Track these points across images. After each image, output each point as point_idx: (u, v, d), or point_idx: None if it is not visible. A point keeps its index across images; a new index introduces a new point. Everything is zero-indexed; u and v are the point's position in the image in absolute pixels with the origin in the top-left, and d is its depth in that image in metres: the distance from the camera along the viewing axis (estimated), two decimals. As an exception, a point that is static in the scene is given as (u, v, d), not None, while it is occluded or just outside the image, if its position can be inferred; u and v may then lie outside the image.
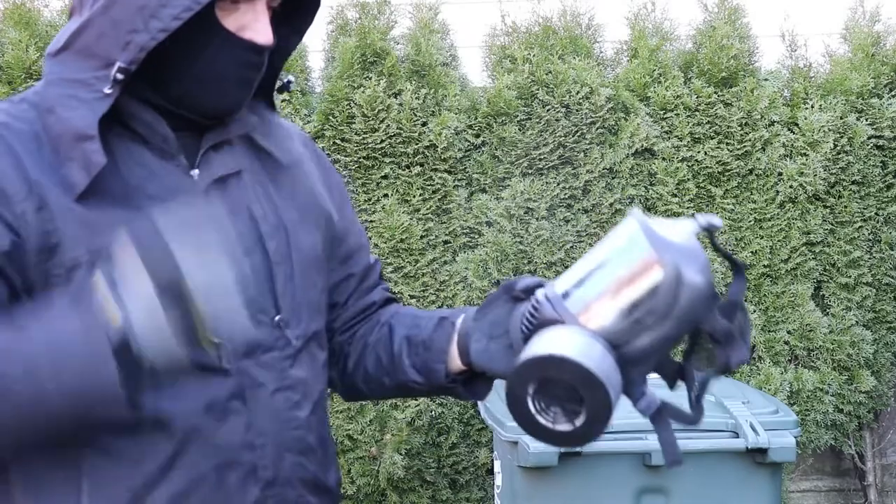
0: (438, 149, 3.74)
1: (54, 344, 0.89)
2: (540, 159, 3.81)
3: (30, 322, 0.91)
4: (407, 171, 3.75)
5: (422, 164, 3.76)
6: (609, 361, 0.95)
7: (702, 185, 3.92)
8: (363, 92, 3.70)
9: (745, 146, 3.92)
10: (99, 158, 0.97)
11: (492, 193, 3.84)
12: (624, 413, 2.77)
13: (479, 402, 3.14)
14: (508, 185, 3.79)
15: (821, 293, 4.03)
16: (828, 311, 3.99)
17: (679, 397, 1.04)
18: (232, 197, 1.09)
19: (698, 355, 1.02)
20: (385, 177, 3.76)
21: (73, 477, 0.99)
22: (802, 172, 3.92)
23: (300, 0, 1.15)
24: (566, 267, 3.79)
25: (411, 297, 3.71)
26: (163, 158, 1.05)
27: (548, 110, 3.80)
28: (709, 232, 0.99)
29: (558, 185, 3.81)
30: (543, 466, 2.47)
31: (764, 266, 3.92)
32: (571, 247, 3.79)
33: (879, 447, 4.14)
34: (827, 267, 4.01)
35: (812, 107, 3.99)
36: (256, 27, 1.03)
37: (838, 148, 3.96)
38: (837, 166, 3.98)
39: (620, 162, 3.84)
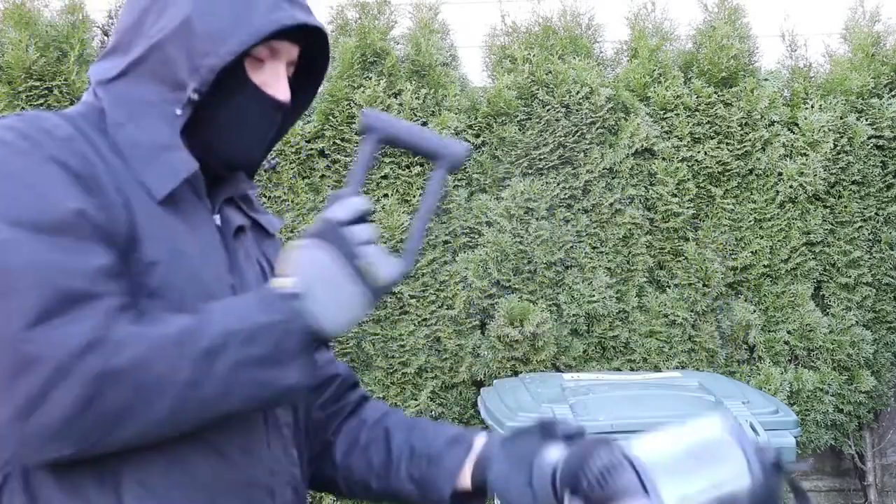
0: (438, 149, 3.74)
1: (237, 315, 0.96)
2: (540, 159, 3.81)
3: (206, 309, 0.97)
4: (407, 171, 3.75)
5: (422, 164, 3.76)
6: None
7: (702, 185, 3.92)
8: (363, 92, 3.70)
9: (745, 146, 3.92)
10: (191, 164, 1.04)
11: (492, 193, 3.84)
12: (624, 413, 2.76)
13: (479, 402, 3.13)
14: (508, 185, 3.79)
15: (821, 293, 4.03)
16: (828, 311, 3.99)
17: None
18: (244, 247, 1.15)
19: None
20: (385, 177, 3.76)
21: (109, 487, 0.99)
22: (802, 172, 3.92)
23: (306, 76, 1.22)
24: (566, 267, 3.80)
25: (411, 297, 3.71)
26: (196, 195, 1.10)
27: (548, 110, 3.80)
28: (785, 471, 1.03)
29: (558, 185, 3.81)
30: (543, 466, 2.46)
31: (764, 266, 3.92)
32: (571, 247, 3.79)
33: (879, 447, 4.14)
34: (827, 267, 4.01)
35: (812, 107, 3.99)
36: (277, 85, 1.12)
37: (838, 148, 3.96)
38: (837, 166, 3.98)
39: (620, 162, 3.84)
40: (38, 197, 0.94)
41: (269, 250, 1.23)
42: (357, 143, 3.72)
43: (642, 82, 3.94)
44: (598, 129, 3.83)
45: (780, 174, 3.96)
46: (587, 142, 3.82)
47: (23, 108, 3.50)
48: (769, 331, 3.91)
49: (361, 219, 1.02)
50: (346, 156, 3.72)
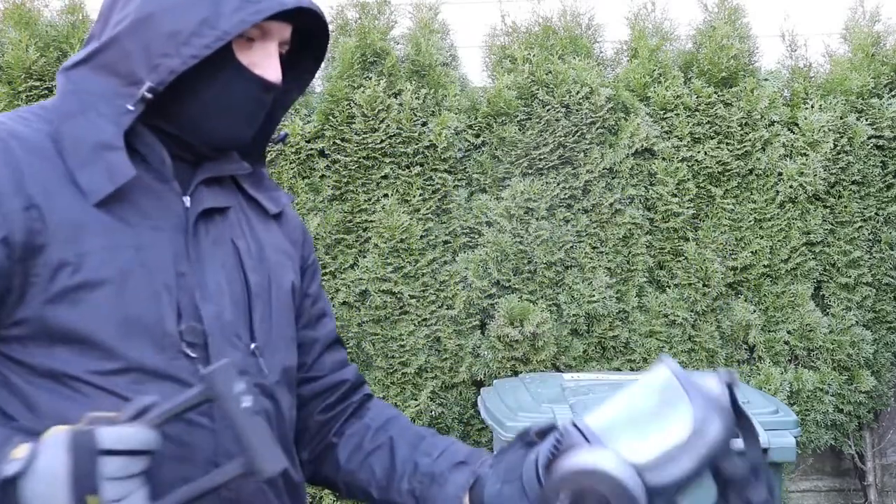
0: (438, 149, 3.74)
1: None
2: (540, 159, 3.81)
3: None
4: (407, 171, 3.75)
5: (422, 164, 3.76)
6: (639, 484, 0.98)
7: (702, 185, 3.92)
8: (363, 92, 3.70)
9: (745, 146, 3.92)
10: (128, 170, 1.02)
11: (492, 193, 3.84)
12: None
13: (479, 402, 3.13)
14: (508, 185, 3.79)
15: (821, 293, 4.03)
16: (828, 311, 3.99)
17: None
18: (217, 229, 1.12)
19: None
20: (385, 177, 3.76)
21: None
22: (802, 172, 3.92)
23: (305, 51, 1.21)
24: (566, 267, 3.80)
25: (411, 297, 3.71)
26: (158, 180, 1.09)
27: (548, 110, 3.80)
28: (728, 387, 1.04)
29: (558, 185, 3.81)
30: (543, 466, 2.46)
31: (764, 266, 3.92)
32: (571, 247, 3.79)
33: (879, 447, 4.14)
34: (827, 267, 4.01)
35: (812, 107, 3.99)
36: (267, 65, 1.10)
37: (838, 148, 3.96)
38: (837, 166, 3.98)
39: (620, 162, 3.84)
40: None
41: (269, 227, 1.20)
42: (357, 142, 3.72)
43: (642, 82, 3.94)
44: (598, 129, 3.83)
45: (780, 174, 3.96)
46: (587, 142, 3.82)
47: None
48: (769, 331, 3.91)
49: (133, 452, 0.91)
50: (346, 156, 3.72)
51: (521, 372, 3.57)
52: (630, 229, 3.85)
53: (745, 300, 3.91)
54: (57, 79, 1.10)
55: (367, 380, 3.70)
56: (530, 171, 3.81)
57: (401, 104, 3.73)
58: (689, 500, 1.05)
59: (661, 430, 1.00)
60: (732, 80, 3.97)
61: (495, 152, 3.84)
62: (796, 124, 4.02)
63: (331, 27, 3.93)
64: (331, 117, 3.74)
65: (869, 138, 4.01)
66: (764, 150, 3.96)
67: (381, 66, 3.79)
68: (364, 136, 3.71)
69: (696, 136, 3.92)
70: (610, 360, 3.82)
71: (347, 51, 3.76)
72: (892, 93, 4.10)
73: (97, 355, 1.01)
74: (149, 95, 1.02)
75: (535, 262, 3.77)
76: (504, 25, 4.00)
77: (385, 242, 3.69)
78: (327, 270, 3.71)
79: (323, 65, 3.97)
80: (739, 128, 3.92)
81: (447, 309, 3.73)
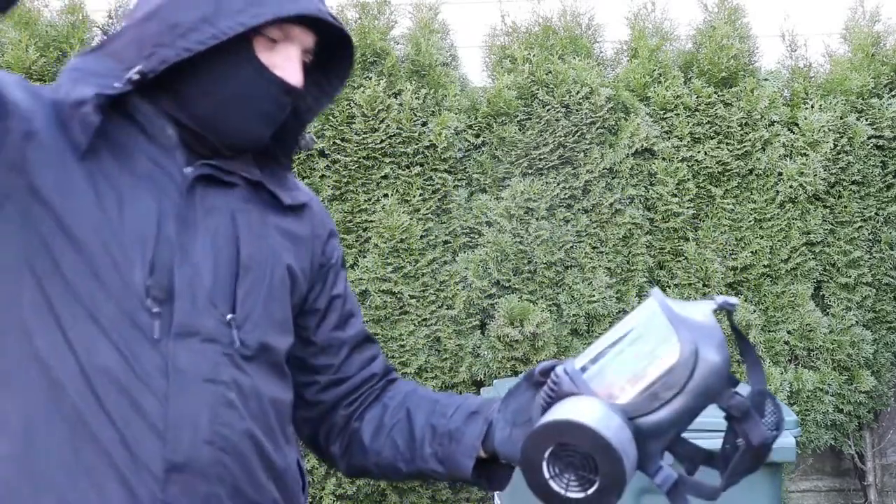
0: (438, 149, 3.74)
1: None
2: (540, 159, 3.81)
3: None
4: (407, 171, 3.75)
5: (422, 164, 3.76)
6: (626, 434, 0.96)
7: (702, 185, 3.92)
8: (363, 92, 3.70)
9: (745, 146, 3.92)
10: (94, 119, 1.04)
11: (492, 193, 3.84)
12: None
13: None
14: (508, 185, 3.79)
15: (821, 293, 4.03)
16: (828, 311, 3.99)
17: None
18: (217, 199, 1.13)
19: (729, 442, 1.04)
20: (385, 177, 3.76)
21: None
22: (802, 172, 3.92)
23: (333, 62, 1.22)
24: (566, 267, 3.80)
25: (411, 297, 3.71)
26: (160, 149, 1.11)
27: (548, 110, 3.80)
28: (727, 312, 1.02)
29: (558, 185, 3.81)
30: (543, 466, 2.46)
31: (764, 266, 3.92)
32: (571, 247, 3.79)
33: (879, 447, 4.14)
34: (827, 267, 4.01)
35: (812, 107, 3.99)
36: (288, 68, 1.12)
37: (838, 148, 3.96)
38: (837, 166, 3.98)
39: (620, 162, 3.84)
40: None
41: (284, 216, 1.21)
42: (357, 142, 3.72)
43: (642, 82, 3.94)
44: (598, 129, 3.83)
45: (780, 174, 3.96)
46: (587, 142, 3.82)
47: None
48: (769, 331, 3.91)
49: None
50: (345, 156, 3.72)
51: (521, 372, 3.57)
52: (630, 229, 3.85)
53: (745, 300, 3.91)
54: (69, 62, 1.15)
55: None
56: (530, 171, 3.81)
57: (401, 104, 3.73)
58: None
59: (648, 367, 0.98)
60: (732, 80, 3.97)
61: (495, 152, 3.84)
62: (796, 124, 4.02)
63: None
64: (331, 117, 3.74)
65: (869, 138, 4.01)
66: (764, 150, 3.96)
67: (381, 66, 3.79)
68: (364, 136, 3.72)
69: (696, 136, 3.92)
70: (610, 360, 3.82)
71: (347, 51, 3.76)
72: (892, 93, 4.10)
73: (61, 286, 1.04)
74: (136, 77, 1.05)
75: (535, 262, 3.77)
76: (504, 25, 4.00)
77: (385, 242, 3.69)
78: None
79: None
80: (739, 128, 3.92)
81: (447, 309, 3.73)
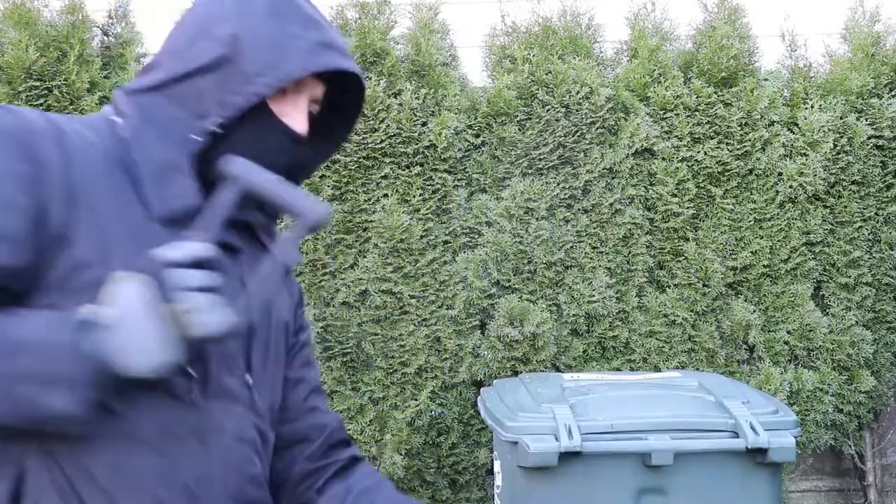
0: (438, 149, 3.74)
1: (29, 326, 0.94)
2: (540, 159, 3.81)
3: (12, 312, 0.96)
4: (407, 171, 3.75)
5: (422, 164, 3.76)
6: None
7: (702, 185, 3.92)
8: (363, 92, 3.70)
9: (744, 146, 3.92)
10: (196, 199, 1.07)
11: (492, 193, 3.84)
12: (624, 414, 2.76)
13: (479, 402, 3.13)
14: (508, 185, 3.79)
15: (821, 293, 4.03)
16: (828, 311, 3.99)
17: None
18: (229, 265, 1.14)
19: None
20: (385, 177, 3.76)
21: (11, 472, 1.00)
22: (802, 172, 3.92)
23: (331, 126, 1.26)
24: (566, 267, 3.80)
25: (411, 297, 3.71)
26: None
27: (548, 110, 3.80)
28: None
29: (558, 185, 3.81)
30: (543, 466, 2.47)
31: (764, 266, 3.92)
32: (571, 247, 3.79)
33: (879, 447, 4.14)
34: (827, 267, 4.01)
35: (812, 107, 3.99)
36: (295, 116, 1.14)
37: (838, 148, 3.96)
38: (837, 166, 3.98)
39: (620, 162, 3.84)
40: None
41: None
42: (357, 142, 3.72)
43: (642, 82, 3.94)
44: (598, 129, 3.83)
45: (780, 174, 3.96)
46: (587, 142, 3.82)
47: (23, 108, 3.49)
48: (769, 331, 3.91)
49: (199, 264, 0.97)
50: (345, 156, 3.72)
51: (521, 372, 3.56)
52: (630, 229, 3.85)
53: (745, 300, 3.91)
54: (116, 97, 1.13)
55: (367, 380, 3.70)
56: (530, 171, 3.81)
57: (401, 104, 3.73)
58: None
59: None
60: (732, 80, 3.97)
61: (495, 152, 3.84)
62: (796, 124, 4.02)
63: (331, 27, 3.92)
64: (331, 117, 3.74)
65: (869, 138, 4.00)
66: (764, 150, 3.96)
67: (380, 66, 3.79)
68: (364, 136, 3.72)
69: (696, 136, 3.92)
70: (610, 360, 3.82)
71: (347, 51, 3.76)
72: (892, 93, 4.10)
73: None
74: (217, 130, 1.08)
75: (535, 262, 3.77)
76: (504, 25, 4.00)
77: (385, 242, 3.69)
78: (327, 270, 3.72)
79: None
80: (739, 128, 3.92)
81: (447, 309, 3.73)
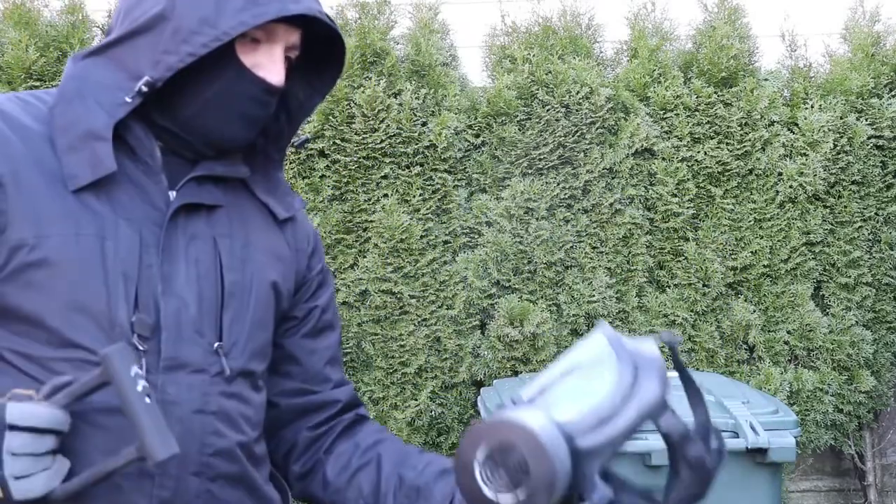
0: (438, 149, 3.74)
1: None
2: (540, 159, 3.81)
3: None
4: (407, 171, 3.75)
5: (422, 164, 3.76)
6: (562, 444, 0.96)
7: (702, 185, 3.92)
8: (363, 92, 3.70)
9: (744, 146, 3.92)
10: (111, 164, 1.04)
11: (492, 193, 3.84)
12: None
13: (479, 402, 3.13)
14: (508, 185, 3.79)
15: (821, 293, 4.03)
16: (828, 311, 3.99)
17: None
18: (199, 225, 1.12)
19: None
20: (385, 177, 3.76)
21: None
22: (802, 172, 3.92)
23: (322, 62, 1.22)
24: (566, 267, 3.80)
25: (411, 297, 3.71)
26: (145, 174, 1.10)
27: (548, 110, 3.80)
28: (671, 348, 1.04)
29: (558, 185, 3.81)
30: (543, 466, 2.46)
31: (764, 266, 3.92)
32: (571, 247, 3.79)
33: (879, 447, 4.14)
34: (827, 267, 4.01)
35: (812, 107, 3.99)
36: (270, 68, 1.11)
37: (838, 148, 3.96)
38: (837, 166, 3.97)
39: (620, 162, 3.84)
40: None
41: (270, 232, 1.20)
42: (357, 142, 3.72)
43: (642, 82, 3.94)
44: (598, 129, 3.83)
45: (780, 174, 3.96)
46: (587, 142, 3.82)
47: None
48: (769, 331, 3.91)
49: (35, 430, 0.93)
50: (346, 156, 3.72)
51: (522, 372, 3.57)
52: (630, 229, 3.85)
53: (745, 300, 3.91)
54: (66, 64, 1.12)
55: (367, 380, 3.70)
56: (530, 171, 3.81)
57: (401, 104, 3.73)
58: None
59: (590, 393, 0.99)
60: (732, 80, 3.97)
61: (495, 152, 3.84)
62: (796, 124, 4.02)
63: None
64: (331, 117, 3.74)
65: (869, 138, 4.00)
66: (764, 150, 3.96)
67: (380, 66, 3.79)
68: (364, 136, 3.71)
69: (696, 136, 3.92)
70: (610, 360, 3.81)
71: (347, 51, 3.75)
72: (892, 93, 4.10)
73: (44, 338, 1.02)
74: (145, 89, 1.04)
75: (535, 262, 3.77)
76: (504, 25, 4.00)
77: (385, 242, 3.69)
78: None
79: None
80: (739, 128, 3.92)
81: (447, 309, 3.73)
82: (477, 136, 3.86)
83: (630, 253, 3.86)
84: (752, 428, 2.50)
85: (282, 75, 1.11)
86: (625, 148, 3.83)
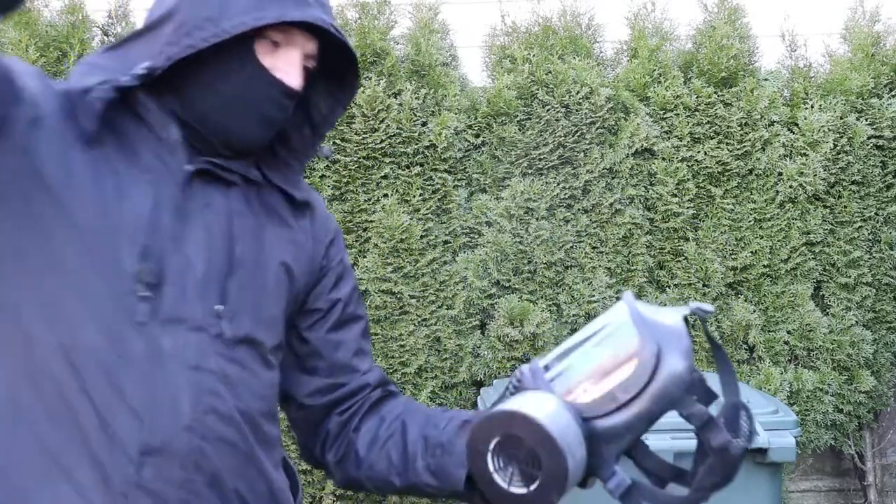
0: (438, 149, 3.74)
1: None
2: (540, 159, 3.81)
3: None
4: (407, 171, 3.75)
5: (422, 164, 3.76)
6: (574, 431, 0.95)
7: (702, 185, 3.92)
8: (363, 92, 3.70)
9: (744, 146, 3.92)
10: (97, 106, 1.07)
11: (492, 193, 3.84)
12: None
13: (479, 402, 3.14)
14: (508, 185, 3.79)
15: (821, 293, 4.03)
16: (828, 311, 3.99)
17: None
18: (214, 196, 1.15)
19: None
20: (385, 177, 3.76)
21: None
22: (802, 172, 3.92)
23: (342, 73, 1.24)
24: (566, 267, 3.80)
25: (411, 297, 3.71)
26: (162, 144, 1.13)
27: (548, 110, 3.80)
28: (701, 319, 1.01)
29: (558, 185, 3.81)
30: (543, 466, 2.46)
31: (764, 266, 3.92)
32: (571, 247, 3.79)
33: (879, 447, 4.14)
34: (827, 267, 4.01)
35: (812, 107, 3.99)
36: (288, 70, 1.13)
37: (838, 148, 3.96)
38: (837, 166, 3.98)
39: (620, 162, 3.84)
40: None
41: (284, 214, 1.22)
42: (357, 142, 3.72)
43: (642, 82, 3.94)
44: (597, 129, 3.83)
45: (780, 174, 3.96)
46: (587, 142, 3.82)
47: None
48: (769, 331, 3.91)
49: None
50: (346, 155, 3.72)
51: (521, 372, 3.56)
52: (630, 229, 3.85)
53: (745, 300, 3.91)
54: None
55: (367, 380, 3.70)
56: (530, 171, 3.81)
57: (401, 104, 3.73)
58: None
59: (610, 369, 0.97)
60: (732, 80, 3.97)
61: (495, 152, 3.84)
62: (796, 124, 4.02)
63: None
64: (331, 117, 3.74)
65: (869, 138, 4.01)
66: (764, 150, 3.96)
67: (380, 66, 3.79)
68: (364, 136, 3.72)
69: (696, 136, 3.92)
70: (610, 360, 3.82)
71: (347, 51, 3.76)
72: (892, 93, 4.10)
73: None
74: (142, 72, 1.07)
75: (535, 262, 3.77)
76: (504, 25, 4.00)
77: (385, 242, 3.69)
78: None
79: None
80: (739, 128, 3.92)
81: (447, 309, 3.73)
82: (477, 136, 3.86)
83: (630, 253, 3.86)
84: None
85: (299, 79, 1.14)
86: (625, 148, 3.83)
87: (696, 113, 3.92)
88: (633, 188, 3.87)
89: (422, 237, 3.73)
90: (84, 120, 1.08)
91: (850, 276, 3.97)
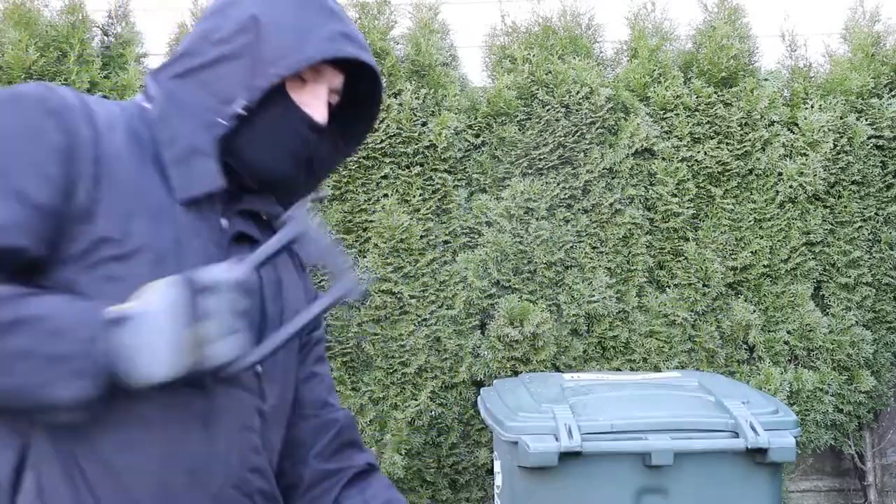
0: (438, 149, 3.74)
1: (60, 311, 0.96)
2: (540, 159, 3.81)
3: (44, 293, 0.98)
4: (407, 171, 3.76)
5: (422, 164, 3.76)
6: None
7: (702, 185, 3.92)
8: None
9: (744, 146, 3.92)
10: (219, 181, 1.10)
11: (492, 193, 3.84)
12: (624, 414, 2.76)
13: (479, 402, 3.13)
14: (508, 185, 3.79)
15: (821, 293, 4.03)
16: (828, 311, 3.99)
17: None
18: (245, 253, 1.15)
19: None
20: (385, 177, 3.76)
21: (14, 446, 1.01)
22: (802, 172, 3.92)
23: (353, 121, 1.28)
24: (566, 267, 3.80)
25: (411, 297, 3.71)
26: (208, 198, 1.13)
27: (548, 110, 3.80)
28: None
29: (558, 185, 3.81)
30: (543, 466, 2.47)
31: (764, 266, 3.92)
32: (571, 247, 3.79)
33: (879, 447, 4.14)
34: (827, 267, 4.01)
35: (812, 107, 3.99)
36: (315, 105, 1.16)
37: (838, 148, 3.96)
38: (837, 166, 3.98)
39: (620, 162, 3.84)
40: None
41: (289, 270, 1.25)
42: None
43: (642, 82, 3.94)
44: (597, 129, 3.83)
45: (780, 174, 3.96)
46: (587, 142, 3.82)
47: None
48: (769, 331, 3.91)
49: (233, 292, 1.00)
50: (346, 156, 3.72)
51: (521, 372, 3.56)
52: (630, 229, 3.85)
53: (745, 300, 3.91)
54: (147, 83, 1.16)
55: (367, 380, 3.70)
56: (530, 171, 3.81)
57: (401, 104, 3.73)
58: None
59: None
60: (732, 80, 3.97)
61: (495, 152, 3.84)
62: (796, 124, 4.02)
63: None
64: (331, 117, 3.74)
65: (869, 138, 4.00)
66: (764, 150, 3.96)
67: (380, 66, 3.79)
68: (364, 136, 3.71)
69: (696, 136, 3.92)
70: (610, 360, 3.82)
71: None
72: (892, 93, 4.10)
73: None
74: (242, 112, 1.10)
75: (535, 262, 3.77)
76: (504, 25, 4.00)
77: (385, 242, 3.69)
78: (328, 271, 3.71)
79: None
80: (739, 128, 3.92)
81: (447, 309, 3.73)
82: (477, 136, 3.86)
83: (630, 253, 3.86)
84: (752, 428, 2.50)
85: (325, 114, 1.17)
86: (625, 148, 3.83)
87: (696, 113, 3.92)
88: (633, 188, 3.87)
89: (422, 237, 3.73)
90: (188, 180, 1.09)
91: (850, 276, 3.97)
